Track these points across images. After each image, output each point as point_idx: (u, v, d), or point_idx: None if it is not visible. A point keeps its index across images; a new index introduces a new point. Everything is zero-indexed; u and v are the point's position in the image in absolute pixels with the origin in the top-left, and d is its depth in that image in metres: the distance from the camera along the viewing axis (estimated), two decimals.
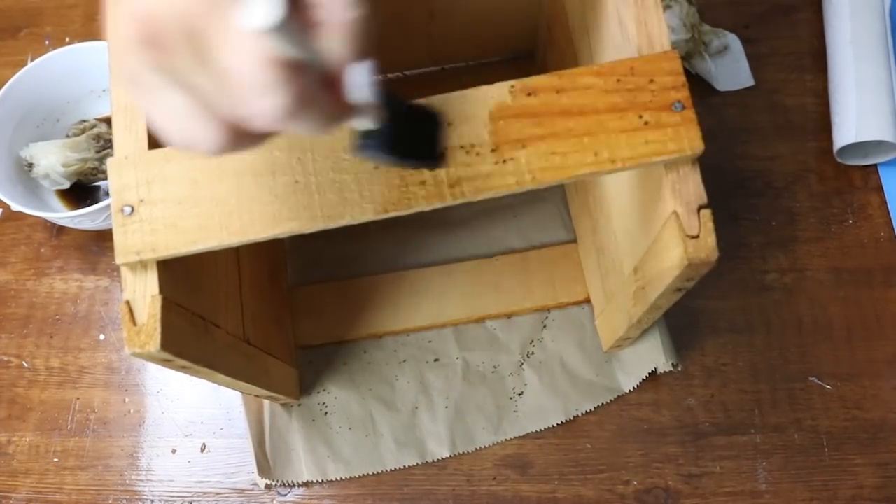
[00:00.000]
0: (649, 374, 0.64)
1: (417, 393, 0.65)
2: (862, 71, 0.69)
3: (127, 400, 0.67)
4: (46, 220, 0.71)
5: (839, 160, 0.70)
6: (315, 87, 0.30)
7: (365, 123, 0.35)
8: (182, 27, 0.28)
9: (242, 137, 0.31)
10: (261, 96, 0.28)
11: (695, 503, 0.62)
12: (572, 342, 0.66)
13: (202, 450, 0.65)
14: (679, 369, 0.64)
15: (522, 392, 0.65)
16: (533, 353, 0.66)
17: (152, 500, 0.64)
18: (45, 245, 0.72)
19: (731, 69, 0.74)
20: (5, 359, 0.69)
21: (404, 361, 0.66)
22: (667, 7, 0.72)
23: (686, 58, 0.73)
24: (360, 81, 0.32)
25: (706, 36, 0.74)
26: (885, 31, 0.72)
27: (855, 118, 0.68)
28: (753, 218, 0.70)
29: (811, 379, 0.65)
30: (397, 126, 0.36)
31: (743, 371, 0.65)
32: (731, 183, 0.71)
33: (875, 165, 0.71)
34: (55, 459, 0.65)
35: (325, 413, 0.65)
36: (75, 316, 0.70)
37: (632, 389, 0.64)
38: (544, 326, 0.66)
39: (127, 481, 0.65)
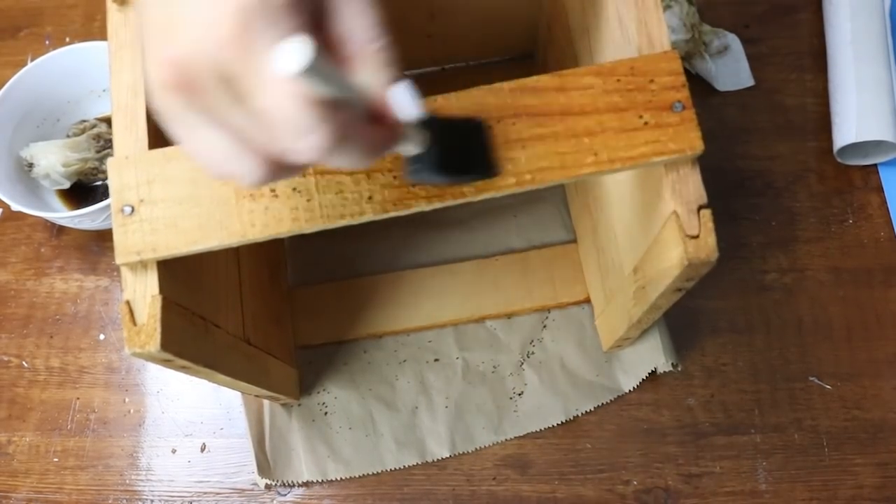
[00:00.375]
0: (649, 374, 0.64)
1: (417, 393, 0.65)
2: (862, 71, 0.69)
3: (127, 400, 0.67)
4: (46, 220, 0.71)
5: (839, 160, 0.70)
6: (355, 122, 0.30)
7: (410, 149, 0.34)
8: (215, 71, 0.28)
9: (282, 170, 0.31)
10: (300, 136, 0.28)
11: (695, 503, 0.62)
12: (572, 342, 0.66)
13: (202, 450, 0.65)
14: (679, 369, 0.64)
15: (522, 392, 0.65)
16: (533, 353, 0.66)
17: (152, 500, 0.64)
18: (45, 245, 0.72)
19: (732, 69, 0.74)
20: (5, 359, 0.69)
21: (404, 361, 0.66)
22: (667, 7, 0.72)
23: (686, 58, 0.73)
24: (405, 101, 0.31)
25: (706, 36, 0.74)
26: (885, 31, 0.72)
27: (855, 118, 0.68)
28: (753, 218, 0.70)
29: (811, 379, 0.65)
30: (443, 144, 0.36)
31: (743, 371, 0.65)
32: (731, 183, 0.71)
33: (875, 165, 0.71)
34: (55, 459, 0.65)
35: (325, 413, 0.65)
36: (75, 316, 0.70)
37: (632, 389, 0.64)
38: (544, 326, 0.66)
39: (127, 481, 0.65)
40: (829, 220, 0.70)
